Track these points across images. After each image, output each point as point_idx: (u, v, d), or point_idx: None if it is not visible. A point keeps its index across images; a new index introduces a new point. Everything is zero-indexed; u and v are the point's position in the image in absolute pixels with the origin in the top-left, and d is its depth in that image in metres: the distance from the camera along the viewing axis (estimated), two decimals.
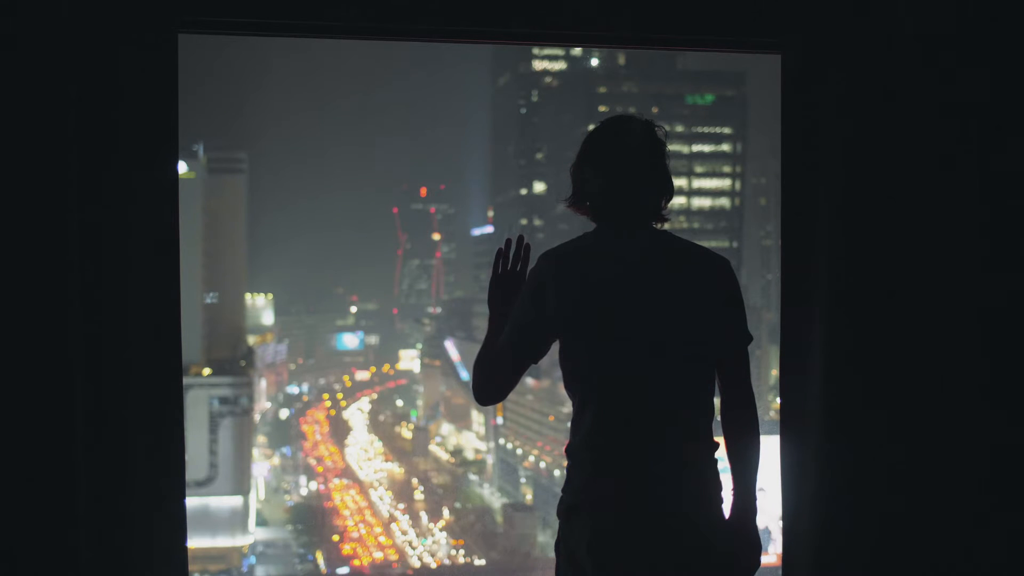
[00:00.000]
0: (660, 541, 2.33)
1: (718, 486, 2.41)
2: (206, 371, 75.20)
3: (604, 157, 2.43)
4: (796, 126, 2.99)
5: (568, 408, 2.50)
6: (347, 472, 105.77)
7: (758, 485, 2.44)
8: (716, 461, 2.41)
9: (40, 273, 2.57)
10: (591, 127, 2.52)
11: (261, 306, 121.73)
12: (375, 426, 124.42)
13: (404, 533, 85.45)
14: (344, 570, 77.36)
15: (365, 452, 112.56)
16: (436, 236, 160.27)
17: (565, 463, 2.47)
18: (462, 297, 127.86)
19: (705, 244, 2.60)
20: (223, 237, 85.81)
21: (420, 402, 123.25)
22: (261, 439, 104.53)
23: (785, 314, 3.01)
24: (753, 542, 2.41)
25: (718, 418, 2.47)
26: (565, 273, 2.40)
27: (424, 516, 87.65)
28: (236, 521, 72.66)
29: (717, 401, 2.45)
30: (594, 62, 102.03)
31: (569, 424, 2.49)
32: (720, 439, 2.44)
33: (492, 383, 2.48)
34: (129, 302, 2.68)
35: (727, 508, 2.42)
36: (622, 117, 2.49)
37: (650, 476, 2.35)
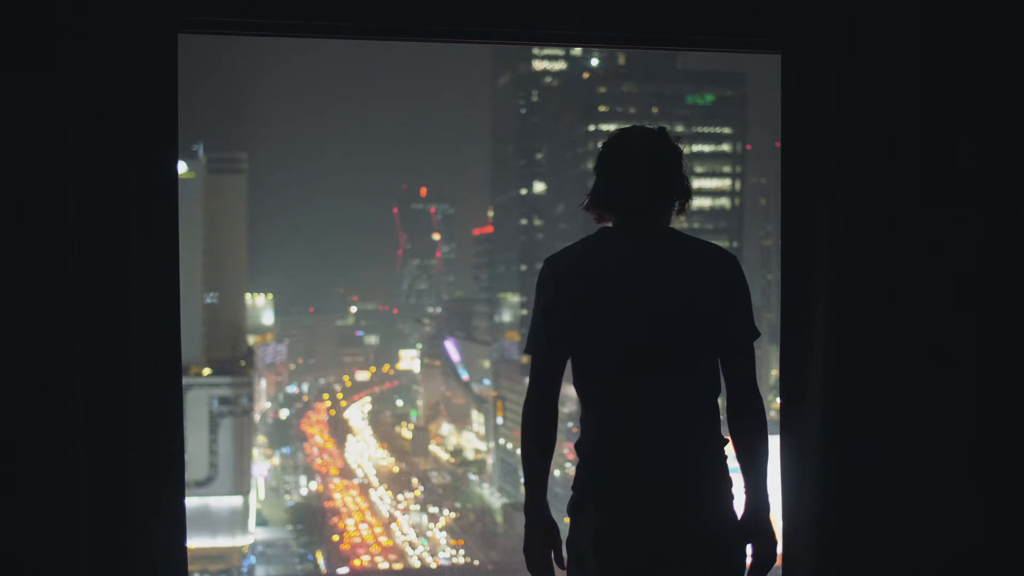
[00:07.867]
0: (665, 539, 2.34)
1: (727, 483, 2.42)
2: (206, 371, 75.17)
3: (605, 160, 2.49)
4: (796, 126, 2.98)
5: (569, 408, 2.51)
6: (347, 472, 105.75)
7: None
8: (725, 458, 2.42)
9: (40, 273, 2.57)
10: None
11: (261, 306, 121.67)
12: (375, 426, 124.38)
13: (404, 533, 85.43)
14: (344, 570, 77.32)
15: (365, 452, 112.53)
16: (436, 236, 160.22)
17: (575, 460, 2.48)
18: (462, 297, 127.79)
19: None
20: (223, 237, 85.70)
21: (420, 402, 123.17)
22: (261, 439, 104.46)
23: (785, 314, 3.01)
24: (769, 539, 2.42)
25: (723, 416, 2.47)
26: (570, 276, 2.42)
27: (424, 516, 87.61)
28: (236, 521, 72.64)
29: (721, 401, 2.46)
30: (594, 62, 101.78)
31: (570, 424, 2.49)
32: (728, 435, 2.44)
33: (537, 396, 2.44)
34: (129, 302, 2.68)
35: (738, 505, 2.42)
36: (630, 126, 2.57)
37: (656, 473, 2.36)
